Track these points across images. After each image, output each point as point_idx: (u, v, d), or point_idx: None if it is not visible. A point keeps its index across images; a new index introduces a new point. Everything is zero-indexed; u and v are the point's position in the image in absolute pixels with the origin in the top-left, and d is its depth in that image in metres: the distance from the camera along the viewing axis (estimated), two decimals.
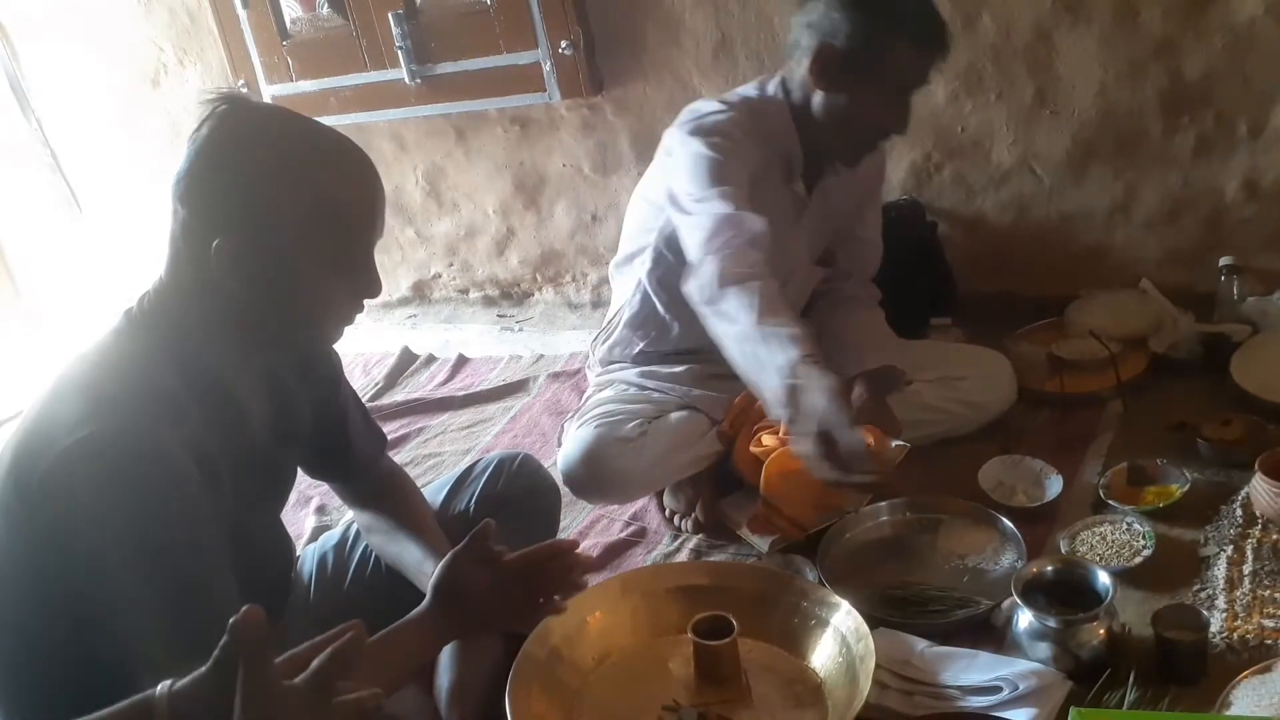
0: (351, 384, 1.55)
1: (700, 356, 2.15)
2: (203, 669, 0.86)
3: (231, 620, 0.82)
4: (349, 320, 1.31)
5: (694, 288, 1.74)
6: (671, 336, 2.14)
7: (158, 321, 1.23)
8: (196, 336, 1.23)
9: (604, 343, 2.22)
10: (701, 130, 1.87)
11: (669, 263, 2.03)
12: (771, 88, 1.96)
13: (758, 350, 1.61)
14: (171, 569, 1.11)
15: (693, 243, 1.78)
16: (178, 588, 1.11)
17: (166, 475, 1.12)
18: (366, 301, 1.30)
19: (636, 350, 2.18)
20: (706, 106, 1.94)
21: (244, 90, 3.16)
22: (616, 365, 2.20)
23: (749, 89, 2.00)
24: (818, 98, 1.90)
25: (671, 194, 1.87)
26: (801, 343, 1.57)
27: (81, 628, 1.13)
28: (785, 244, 2.01)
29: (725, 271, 1.68)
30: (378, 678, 1.25)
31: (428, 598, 1.35)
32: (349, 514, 1.72)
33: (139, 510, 1.09)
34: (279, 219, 1.18)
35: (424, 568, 1.46)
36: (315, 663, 0.88)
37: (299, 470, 1.59)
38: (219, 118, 1.18)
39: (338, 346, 1.47)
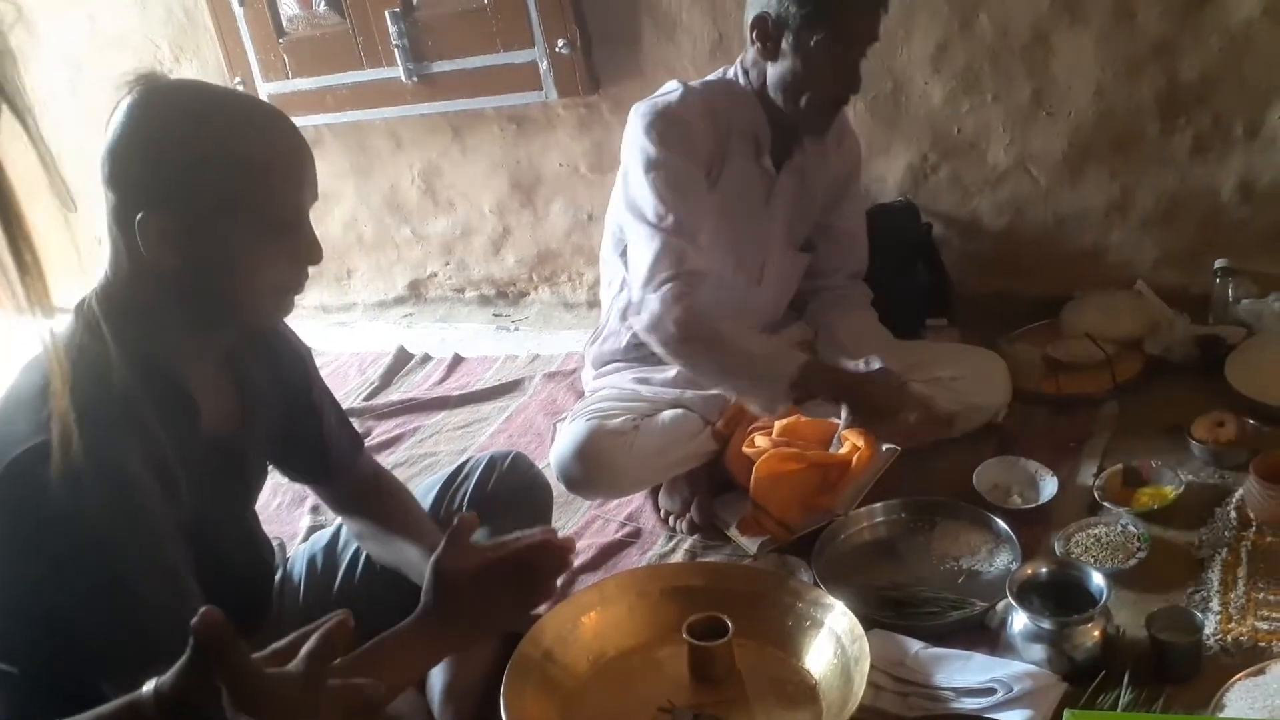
0: (345, 383, 1.55)
1: None
2: (181, 662, 0.85)
3: (192, 623, 0.82)
4: (292, 289, 1.28)
5: (644, 327, 1.92)
6: None
7: (106, 318, 1.19)
8: (145, 328, 1.21)
9: (595, 342, 2.25)
10: (654, 119, 1.94)
11: None
12: (732, 71, 2.02)
13: (753, 372, 1.89)
14: (122, 577, 1.10)
15: (635, 272, 1.92)
16: (127, 595, 1.10)
17: (120, 481, 1.10)
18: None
19: (626, 340, 2.17)
20: (666, 88, 2.01)
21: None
22: (610, 367, 2.21)
23: (715, 73, 2.07)
24: (769, 70, 1.95)
25: (625, 197, 1.97)
26: (795, 352, 1.87)
27: (36, 636, 1.11)
28: (755, 223, 2.07)
29: (681, 324, 1.87)
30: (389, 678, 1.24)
31: (421, 606, 1.32)
32: None
33: (89, 520, 1.08)
34: (199, 186, 1.16)
35: (423, 567, 1.43)
36: (304, 649, 0.88)
37: (286, 475, 1.58)
38: (131, 98, 1.17)
39: (330, 343, 1.46)
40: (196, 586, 1.17)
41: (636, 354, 2.19)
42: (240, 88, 3.16)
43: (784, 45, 1.90)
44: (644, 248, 1.91)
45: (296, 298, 1.31)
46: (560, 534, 1.56)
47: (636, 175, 1.94)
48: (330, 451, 1.55)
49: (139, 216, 1.15)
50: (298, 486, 2.03)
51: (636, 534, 2.09)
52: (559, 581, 1.49)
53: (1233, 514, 1.77)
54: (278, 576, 1.65)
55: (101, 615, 1.08)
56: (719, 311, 2.13)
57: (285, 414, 1.46)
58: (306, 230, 1.25)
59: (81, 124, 3.52)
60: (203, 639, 0.82)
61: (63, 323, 1.22)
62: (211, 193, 1.16)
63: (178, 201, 1.16)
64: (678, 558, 1.98)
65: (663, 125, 1.93)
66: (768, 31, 1.91)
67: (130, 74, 1.19)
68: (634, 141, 1.95)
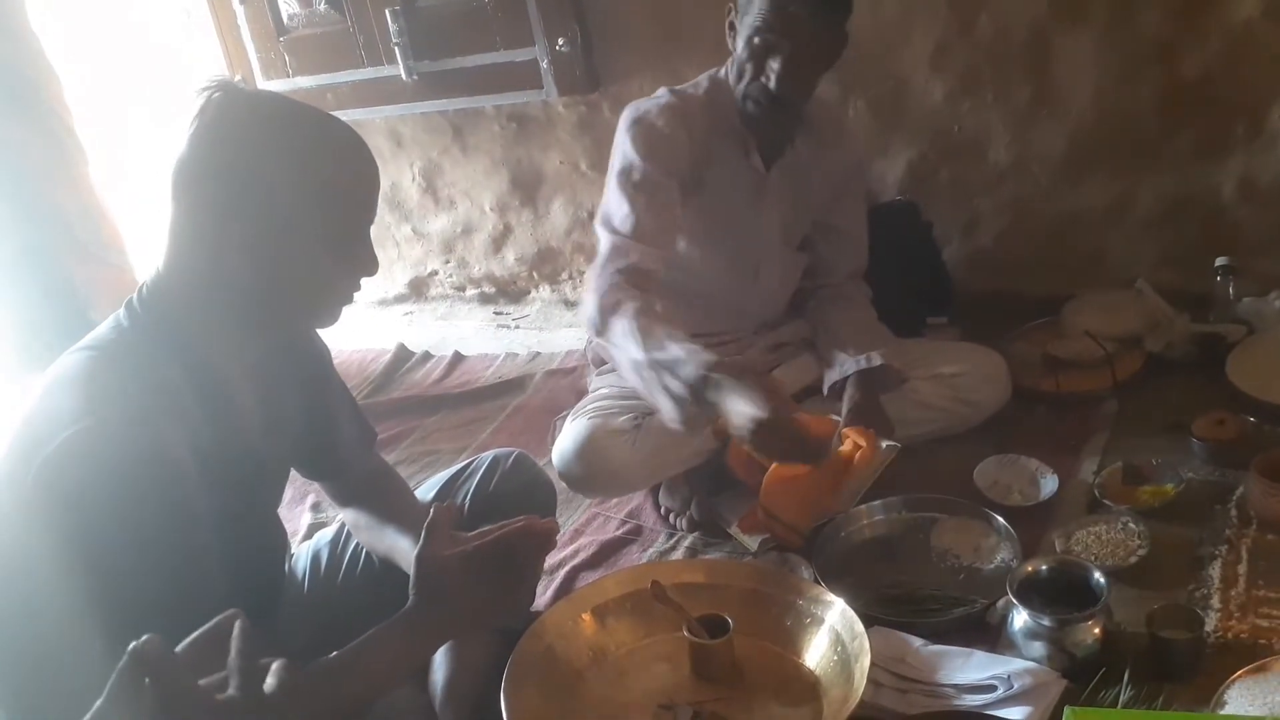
0: (346, 381, 1.55)
1: None
2: (99, 703, 0.85)
3: (131, 646, 0.82)
4: (348, 300, 1.32)
5: (585, 321, 1.88)
6: None
7: (157, 313, 1.23)
8: (196, 327, 1.23)
9: (593, 343, 2.23)
10: (634, 127, 1.96)
11: None
12: (724, 70, 2.01)
13: (655, 374, 1.69)
14: (158, 564, 1.11)
15: (588, 273, 1.92)
16: (163, 584, 1.11)
17: (163, 467, 1.12)
18: (362, 298, 1.31)
19: None
20: (656, 94, 2.02)
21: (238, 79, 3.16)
22: (609, 366, 2.21)
23: (710, 71, 2.06)
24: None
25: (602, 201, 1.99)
26: (692, 360, 1.64)
27: (78, 619, 1.12)
28: (748, 221, 2.07)
29: (603, 305, 1.79)
30: (368, 680, 1.24)
31: (410, 599, 1.32)
32: None
33: (134, 500, 1.10)
34: (277, 202, 1.19)
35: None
36: (236, 670, 0.87)
37: (298, 471, 1.58)
38: (214, 106, 1.19)
39: (331, 341, 1.47)
40: (223, 585, 1.19)
41: None
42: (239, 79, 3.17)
43: (736, 32, 1.91)
44: (600, 249, 1.92)
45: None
46: (562, 533, 1.57)
47: (611, 180, 1.96)
48: (342, 446, 1.56)
49: (223, 229, 1.18)
50: (300, 484, 2.03)
51: (637, 531, 2.09)
52: (544, 563, 1.48)
53: (1233, 512, 1.78)
54: None
55: (131, 592, 1.09)
56: (714, 310, 2.13)
57: (304, 412, 1.47)
58: (368, 245, 1.29)
59: (77, 122, 3.53)
60: (146, 661, 0.82)
61: (114, 315, 1.25)
62: (289, 209, 1.20)
63: (254, 214, 1.19)
64: (678, 555, 1.98)
65: (641, 133, 1.95)
66: (731, 21, 1.92)
67: (210, 81, 1.20)
68: (617, 145, 1.99)
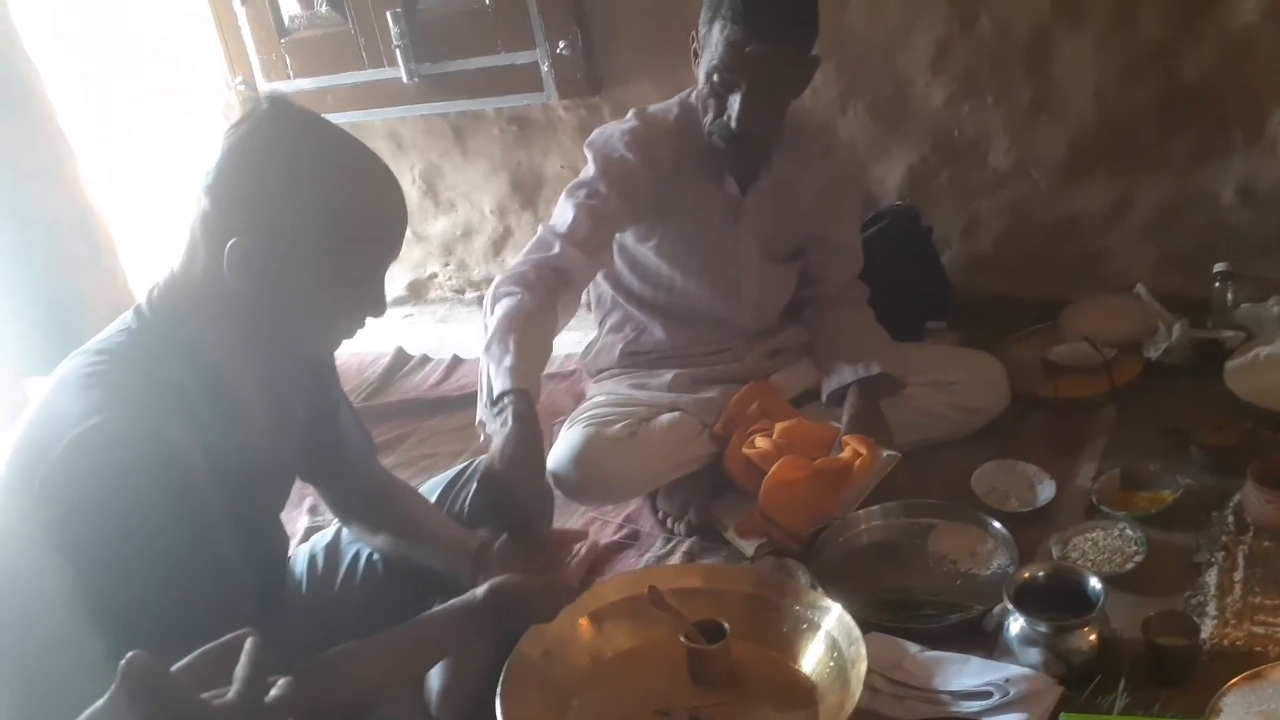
0: (345, 383, 1.56)
1: (686, 360, 2.17)
2: (100, 704, 0.85)
3: (121, 664, 0.82)
4: (349, 335, 1.32)
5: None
6: (653, 334, 2.18)
7: (167, 315, 1.23)
8: (205, 331, 1.23)
9: (589, 356, 2.27)
10: (595, 145, 2.00)
11: (614, 264, 2.14)
12: (694, 95, 2.00)
13: (485, 366, 1.77)
14: (165, 561, 1.11)
15: None
16: (169, 581, 1.11)
17: (174, 466, 1.13)
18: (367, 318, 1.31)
19: (618, 352, 2.20)
20: (624, 118, 2.04)
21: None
22: (606, 374, 2.22)
23: (680, 94, 2.06)
24: None
25: None
26: (510, 376, 1.69)
27: (84, 620, 1.13)
28: (725, 242, 2.08)
29: (497, 291, 1.87)
30: (416, 657, 1.35)
31: (484, 593, 1.38)
32: None
33: (145, 499, 1.10)
34: (295, 226, 1.18)
35: (453, 560, 1.51)
36: (240, 676, 0.87)
37: (300, 475, 1.59)
38: (258, 118, 1.19)
39: None
40: (242, 577, 1.20)
41: (630, 362, 2.20)
42: (242, 88, 3.17)
43: (699, 61, 1.90)
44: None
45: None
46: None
47: (565, 191, 2.00)
48: (345, 452, 1.57)
49: (231, 240, 1.17)
50: (297, 487, 2.03)
51: (634, 536, 2.09)
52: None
53: (1230, 518, 1.78)
54: None
55: (137, 590, 1.10)
56: (708, 325, 2.14)
57: (310, 417, 1.48)
58: (379, 288, 1.29)
59: (79, 122, 3.53)
60: (135, 680, 0.82)
61: (122, 317, 1.26)
62: (307, 236, 1.19)
63: (273, 233, 1.18)
64: (675, 560, 1.98)
65: (599, 155, 1.99)
66: (695, 49, 1.91)
67: (263, 93, 1.21)
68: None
